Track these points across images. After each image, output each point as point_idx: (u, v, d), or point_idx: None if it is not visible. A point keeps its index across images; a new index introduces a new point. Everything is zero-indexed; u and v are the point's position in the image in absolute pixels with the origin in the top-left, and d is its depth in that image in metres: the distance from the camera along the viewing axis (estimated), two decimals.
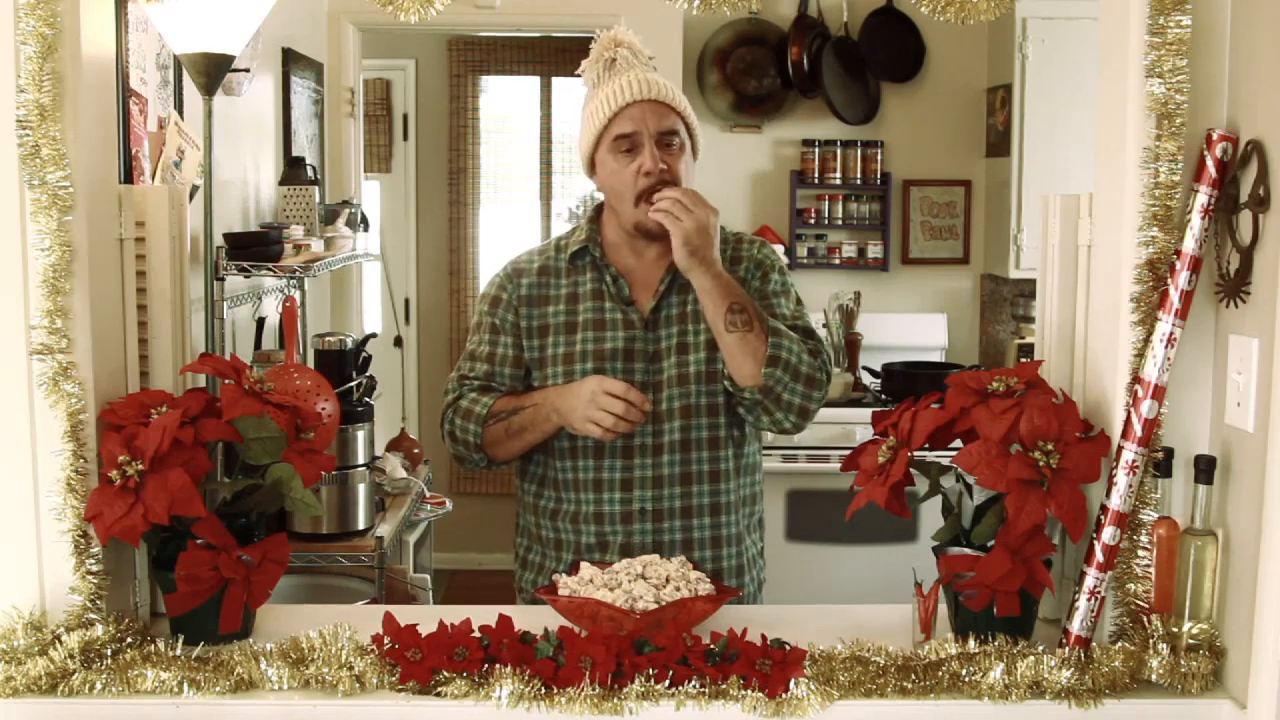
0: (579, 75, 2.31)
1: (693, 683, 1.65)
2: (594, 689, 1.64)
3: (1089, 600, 1.70)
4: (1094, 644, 1.71)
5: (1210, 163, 1.66)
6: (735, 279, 2.20)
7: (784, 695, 1.65)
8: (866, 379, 4.77)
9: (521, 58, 6.13)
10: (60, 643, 1.68)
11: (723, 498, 2.25)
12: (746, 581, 2.29)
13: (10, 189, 1.67)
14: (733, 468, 2.27)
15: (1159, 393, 1.67)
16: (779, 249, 4.93)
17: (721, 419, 2.23)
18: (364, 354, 3.43)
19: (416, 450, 4.27)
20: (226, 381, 1.82)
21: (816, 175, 5.09)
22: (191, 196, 3.10)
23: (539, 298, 2.28)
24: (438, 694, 1.66)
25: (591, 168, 2.29)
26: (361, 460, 3.34)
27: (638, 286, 2.27)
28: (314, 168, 4.06)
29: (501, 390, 2.27)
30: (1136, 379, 1.69)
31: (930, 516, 2.04)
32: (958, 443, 1.79)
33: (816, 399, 2.19)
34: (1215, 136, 1.66)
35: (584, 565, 1.95)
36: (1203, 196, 1.66)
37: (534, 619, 1.80)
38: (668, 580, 1.89)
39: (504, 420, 2.21)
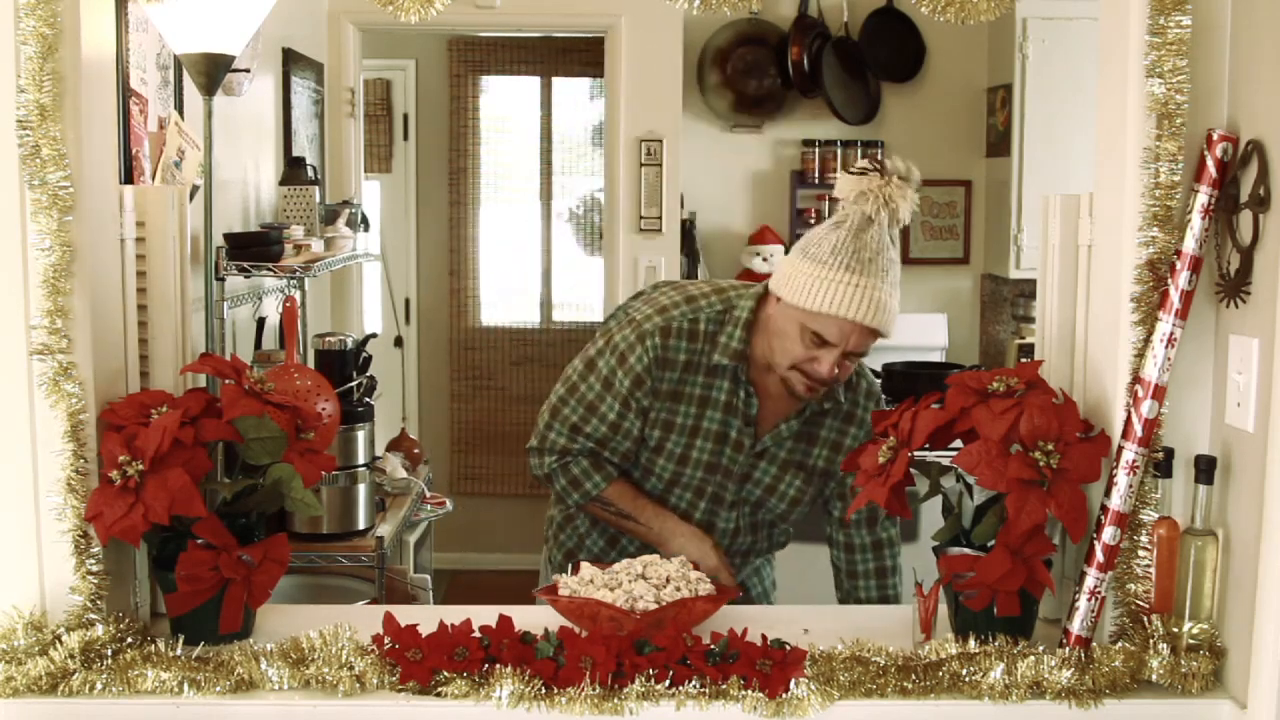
0: (839, 181, 2.12)
1: (693, 683, 1.65)
2: (594, 689, 1.64)
3: (1089, 600, 1.70)
4: (1094, 644, 1.71)
5: (1210, 163, 1.66)
6: (832, 440, 2.32)
7: (784, 695, 1.65)
8: None
9: (521, 58, 6.13)
10: (60, 643, 1.68)
11: (763, 579, 2.55)
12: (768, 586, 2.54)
13: (10, 189, 1.67)
14: (780, 542, 2.50)
15: (1159, 393, 1.67)
16: (778, 250, 4.97)
17: (778, 530, 2.43)
18: (364, 354, 3.43)
19: (416, 450, 4.27)
20: (227, 381, 1.82)
21: (817, 175, 5.09)
22: (191, 196, 3.10)
23: (674, 393, 2.24)
24: (438, 694, 1.66)
25: (775, 298, 2.18)
26: (361, 460, 3.34)
27: (765, 411, 2.27)
28: (314, 168, 4.06)
29: (612, 461, 2.28)
30: (1137, 379, 1.69)
31: (930, 516, 2.04)
32: (958, 443, 1.79)
33: None
34: (1215, 136, 1.66)
35: (585, 565, 1.95)
36: (1203, 196, 1.66)
37: (534, 619, 1.80)
38: (668, 580, 1.89)
39: (610, 512, 2.29)
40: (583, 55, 6.03)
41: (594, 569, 1.93)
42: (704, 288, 2.31)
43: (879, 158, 2.13)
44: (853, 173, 2.10)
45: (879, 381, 4.68)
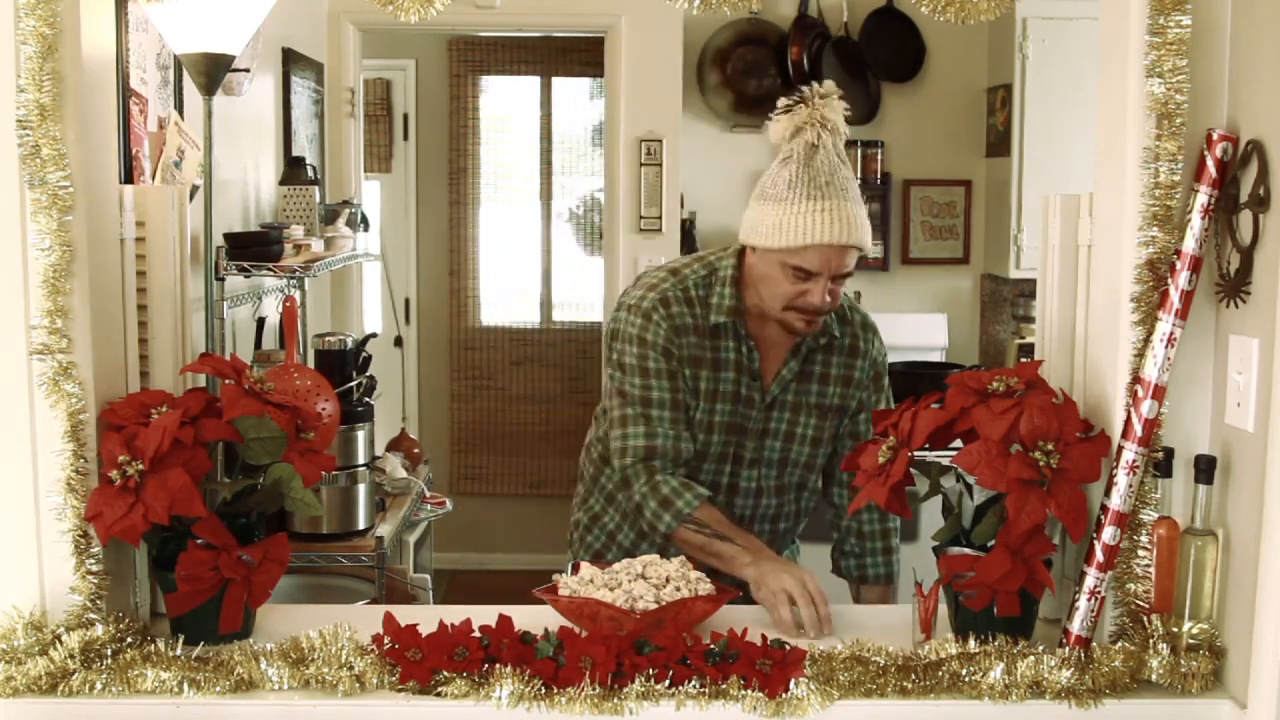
0: (769, 127, 2.16)
1: (693, 683, 1.65)
2: (594, 689, 1.64)
3: (1089, 600, 1.70)
4: (1094, 644, 1.71)
5: (1210, 163, 1.66)
6: (842, 375, 2.32)
7: (784, 695, 1.65)
8: None
9: (521, 58, 6.13)
10: (60, 643, 1.68)
11: (796, 546, 2.56)
12: None
13: (10, 189, 1.67)
14: (800, 527, 2.50)
15: (1159, 393, 1.67)
16: None
17: (804, 494, 2.42)
18: (364, 354, 3.43)
19: (416, 450, 4.27)
20: (226, 381, 1.82)
21: None
22: (191, 196, 3.10)
23: (695, 359, 2.26)
24: (438, 694, 1.66)
25: (750, 248, 2.21)
26: (361, 460, 3.34)
27: (765, 359, 2.29)
28: (314, 168, 4.06)
29: (687, 439, 2.25)
30: (1136, 379, 1.69)
31: (930, 516, 2.04)
32: (958, 443, 1.79)
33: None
34: (1215, 136, 1.66)
35: (584, 565, 1.95)
36: (1203, 196, 1.66)
37: (534, 619, 1.80)
38: (668, 580, 1.89)
39: (704, 535, 2.17)
40: (583, 55, 6.03)
41: (594, 569, 1.93)
42: (683, 259, 2.36)
43: (799, 88, 2.15)
44: (780, 114, 2.15)
45: None
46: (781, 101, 2.16)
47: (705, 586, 1.90)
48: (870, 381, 2.37)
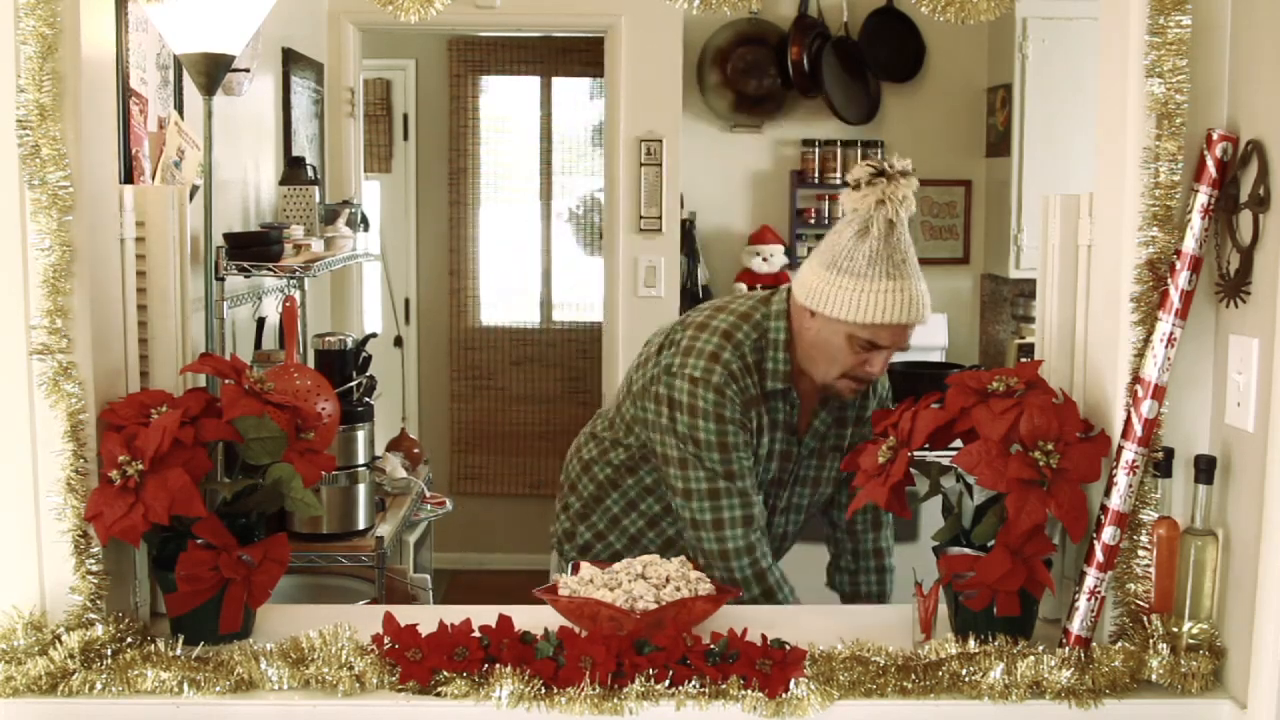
0: (845, 195, 2.15)
1: (693, 683, 1.65)
2: (594, 689, 1.64)
3: (1089, 600, 1.70)
4: (1094, 644, 1.71)
5: (1210, 163, 1.66)
6: (856, 416, 2.39)
7: (784, 695, 1.65)
8: None
9: (521, 58, 6.13)
10: (60, 643, 1.68)
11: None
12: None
13: (10, 189, 1.67)
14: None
15: (1159, 393, 1.67)
16: (778, 249, 4.97)
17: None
18: (364, 354, 3.42)
19: (416, 450, 4.27)
20: (226, 381, 1.82)
21: (817, 175, 5.09)
22: (191, 196, 3.10)
23: (756, 428, 2.30)
24: (438, 694, 1.66)
25: (808, 312, 2.21)
26: (361, 460, 3.34)
27: (800, 412, 2.35)
28: (314, 168, 4.06)
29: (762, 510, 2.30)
30: (1136, 379, 1.69)
31: (930, 516, 2.04)
32: (958, 443, 1.79)
33: None
34: (1215, 136, 1.66)
35: (584, 565, 1.95)
36: (1203, 196, 1.66)
37: (534, 619, 1.80)
38: (668, 580, 1.89)
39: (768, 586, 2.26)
40: (583, 55, 6.03)
41: (594, 569, 1.93)
42: (728, 317, 2.30)
43: (880, 159, 2.14)
44: (860, 182, 2.12)
45: None
46: (862, 169, 2.12)
47: (705, 586, 1.90)
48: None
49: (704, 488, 2.26)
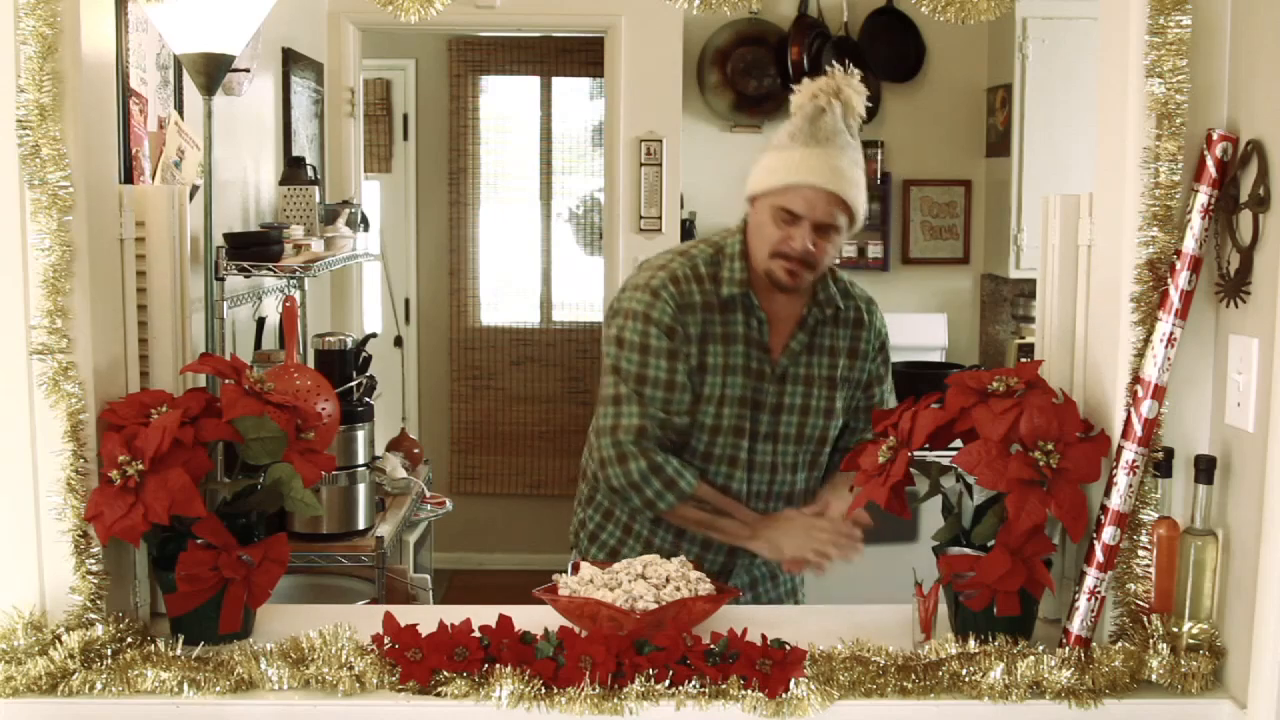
0: (792, 100, 2.27)
1: (693, 683, 1.65)
2: (594, 689, 1.64)
3: (1089, 600, 1.70)
4: (1094, 644, 1.71)
5: (1210, 163, 1.66)
6: (848, 347, 2.36)
7: (784, 695, 1.65)
8: None
9: (521, 58, 6.13)
10: (60, 643, 1.67)
11: None
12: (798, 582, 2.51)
13: (10, 189, 1.67)
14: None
15: (1159, 393, 1.67)
16: None
17: (815, 474, 2.41)
18: (364, 354, 3.42)
19: (416, 450, 4.27)
20: (226, 381, 1.82)
21: None
22: (191, 196, 3.10)
23: (704, 335, 2.29)
24: (438, 694, 1.66)
25: (752, 200, 2.30)
26: (361, 460, 3.34)
27: (774, 332, 2.33)
28: (314, 168, 4.06)
29: (678, 417, 2.27)
30: (1136, 379, 1.69)
31: (930, 516, 2.04)
32: (958, 443, 1.79)
33: None
34: (1215, 136, 1.66)
35: (584, 565, 1.95)
36: (1203, 196, 1.66)
37: (534, 619, 1.80)
38: (668, 580, 1.89)
39: (704, 512, 2.28)
40: (583, 55, 6.03)
41: (594, 569, 1.93)
42: (687, 243, 2.42)
43: (830, 65, 2.28)
44: (804, 85, 2.27)
45: None
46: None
47: (705, 586, 1.90)
48: (877, 353, 2.41)
49: (610, 393, 2.29)
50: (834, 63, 2.29)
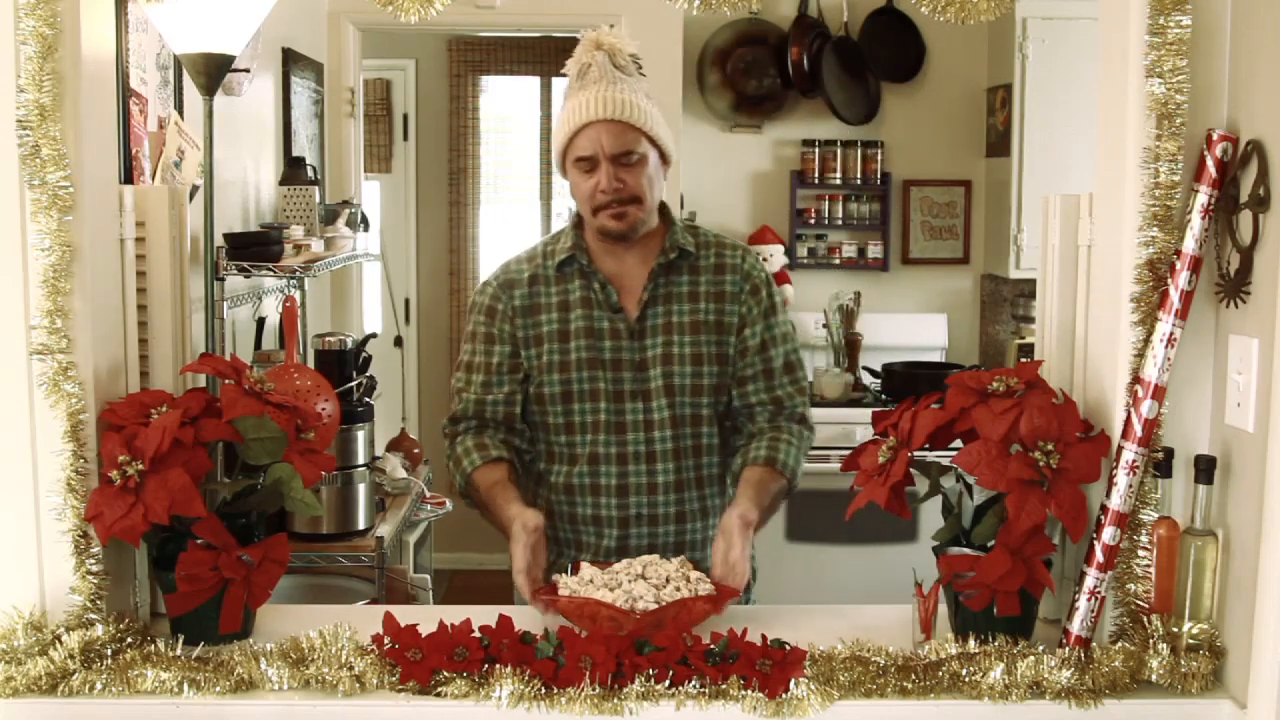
0: (564, 74, 2.31)
1: (693, 683, 1.65)
2: (594, 689, 1.64)
3: (1089, 600, 1.70)
4: (1094, 644, 1.71)
5: (1210, 163, 1.66)
6: (712, 291, 2.28)
7: (784, 695, 1.65)
8: (866, 379, 4.77)
9: (521, 58, 6.13)
10: (60, 643, 1.68)
11: (709, 502, 2.32)
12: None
13: (10, 189, 1.67)
14: (718, 474, 2.33)
15: (1159, 393, 1.67)
16: (778, 249, 4.96)
17: (704, 428, 2.29)
18: (364, 354, 3.43)
19: (416, 450, 4.27)
20: (226, 381, 1.82)
21: (816, 175, 5.09)
22: (191, 196, 3.10)
23: (532, 307, 2.29)
24: (438, 694, 1.66)
25: (563, 171, 2.31)
26: (361, 460, 3.34)
27: (624, 292, 2.30)
28: (314, 168, 4.06)
29: (498, 435, 2.26)
30: (1136, 379, 1.69)
31: (930, 516, 2.04)
32: (958, 443, 1.79)
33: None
34: (1215, 136, 1.66)
35: (584, 565, 1.95)
36: (1203, 196, 1.66)
37: (534, 619, 1.80)
38: (668, 580, 1.89)
39: (480, 495, 2.21)
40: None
41: (594, 569, 1.93)
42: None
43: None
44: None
45: (878, 382, 4.72)
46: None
47: (705, 587, 1.90)
48: (748, 296, 2.29)
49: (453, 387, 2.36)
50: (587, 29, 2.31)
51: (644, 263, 2.29)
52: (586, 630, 1.78)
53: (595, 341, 2.26)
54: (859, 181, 5.09)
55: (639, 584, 1.87)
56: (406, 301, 6.23)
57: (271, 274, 3.30)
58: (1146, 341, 1.68)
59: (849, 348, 4.79)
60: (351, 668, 1.67)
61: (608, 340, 2.26)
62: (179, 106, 3.22)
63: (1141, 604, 1.72)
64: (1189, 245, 1.66)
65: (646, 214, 2.25)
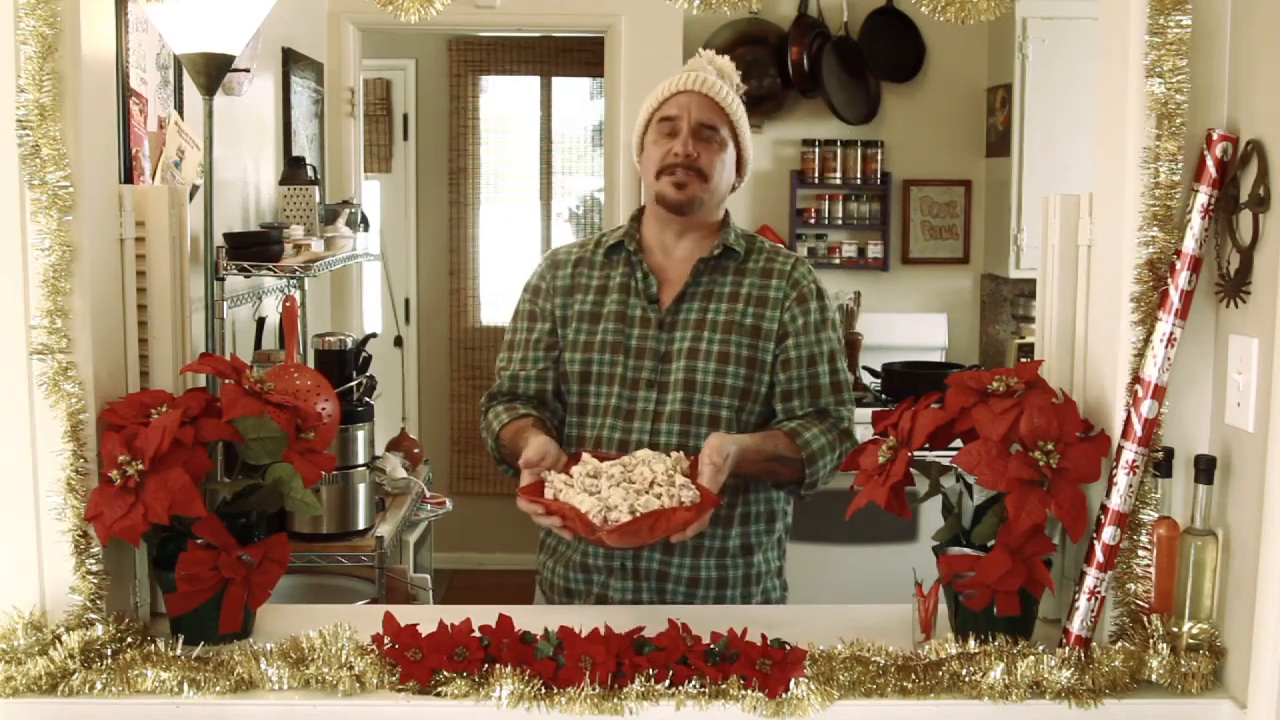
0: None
1: (693, 683, 1.65)
2: (594, 689, 1.64)
3: (1089, 600, 1.70)
4: (1094, 644, 1.71)
5: (1210, 163, 1.66)
6: (755, 295, 2.28)
7: (784, 695, 1.65)
8: (866, 379, 4.77)
9: (521, 58, 6.13)
10: (60, 643, 1.68)
11: (740, 561, 2.26)
12: (754, 591, 2.28)
13: (10, 189, 1.67)
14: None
15: (1159, 393, 1.67)
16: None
17: (719, 430, 2.19)
18: (364, 354, 3.43)
19: (416, 450, 4.27)
20: (226, 381, 1.82)
21: (816, 175, 5.09)
22: (191, 196, 3.10)
23: (572, 287, 2.34)
24: (438, 694, 1.66)
25: (640, 150, 2.35)
26: (361, 460, 3.34)
27: (664, 284, 2.32)
28: (314, 168, 4.06)
29: (529, 400, 2.31)
30: (1136, 379, 1.69)
31: (930, 516, 2.04)
32: (958, 443, 1.79)
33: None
34: (1215, 136, 1.66)
35: (585, 456, 2.02)
36: (1203, 196, 1.66)
37: (534, 619, 1.80)
38: (652, 484, 1.90)
39: (507, 449, 2.26)
40: (583, 55, 6.03)
41: (593, 460, 1.99)
42: None
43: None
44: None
45: (878, 382, 4.72)
46: None
47: (689, 494, 1.89)
48: (793, 304, 2.26)
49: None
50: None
51: (690, 258, 2.32)
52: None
53: (624, 327, 2.28)
54: (859, 181, 5.09)
55: (616, 491, 1.88)
56: (406, 301, 6.23)
57: (271, 274, 3.30)
58: (1146, 341, 1.68)
59: (849, 348, 4.79)
60: (351, 667, 1.67)
61: (636, 328, 2.28)
62: (179, 106, 3.22)
63: (1141, 604, 1.72)
64: (1189, 245, 1.66)
65: (707, 196, 2.28)
